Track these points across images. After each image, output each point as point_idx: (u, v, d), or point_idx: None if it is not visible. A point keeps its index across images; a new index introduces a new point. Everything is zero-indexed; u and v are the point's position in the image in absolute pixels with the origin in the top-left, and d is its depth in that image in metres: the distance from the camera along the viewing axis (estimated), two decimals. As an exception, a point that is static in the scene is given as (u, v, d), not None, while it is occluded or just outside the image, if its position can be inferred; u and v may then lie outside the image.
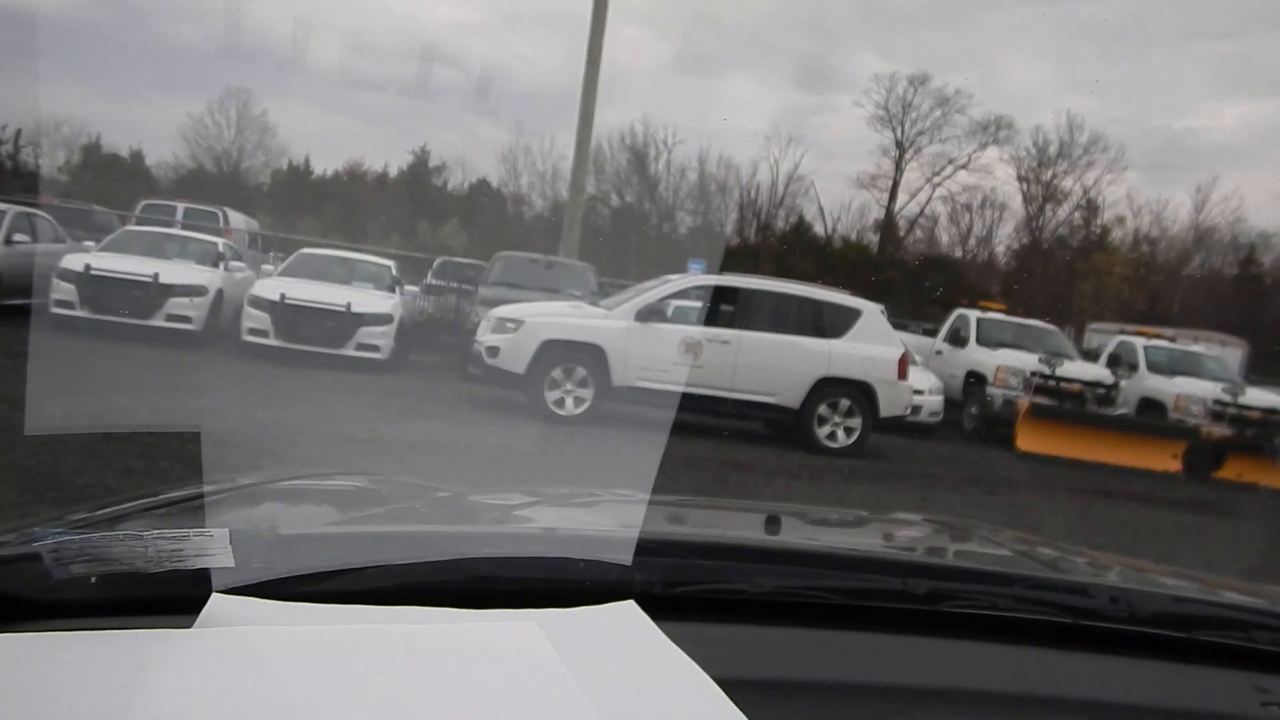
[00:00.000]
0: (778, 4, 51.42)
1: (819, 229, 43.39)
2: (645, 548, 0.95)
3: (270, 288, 11.46)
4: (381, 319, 11.49)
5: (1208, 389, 13.94)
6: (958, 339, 14.91)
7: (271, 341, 11.00)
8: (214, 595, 0.77)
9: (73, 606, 0.77)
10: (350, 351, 11.18)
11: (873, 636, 0.95)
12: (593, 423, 9.25)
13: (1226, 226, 40.91)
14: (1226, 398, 13.64)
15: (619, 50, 51.30)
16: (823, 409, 10.01)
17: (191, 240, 13.23)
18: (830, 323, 10.19)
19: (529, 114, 52.84)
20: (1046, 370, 13.24)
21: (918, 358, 13.28)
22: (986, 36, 50.12)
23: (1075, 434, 12.02)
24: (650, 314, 9.79)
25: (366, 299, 11.68)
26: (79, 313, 10.74)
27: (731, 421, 10.23)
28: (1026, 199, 43.30)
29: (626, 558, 0.92)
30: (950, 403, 13.38)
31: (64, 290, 10.83)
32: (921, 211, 44.32)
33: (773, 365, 9.89)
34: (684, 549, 1.03)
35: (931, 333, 16.74)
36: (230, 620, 0.75)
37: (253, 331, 11.08)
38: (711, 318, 10.25)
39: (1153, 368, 14.87)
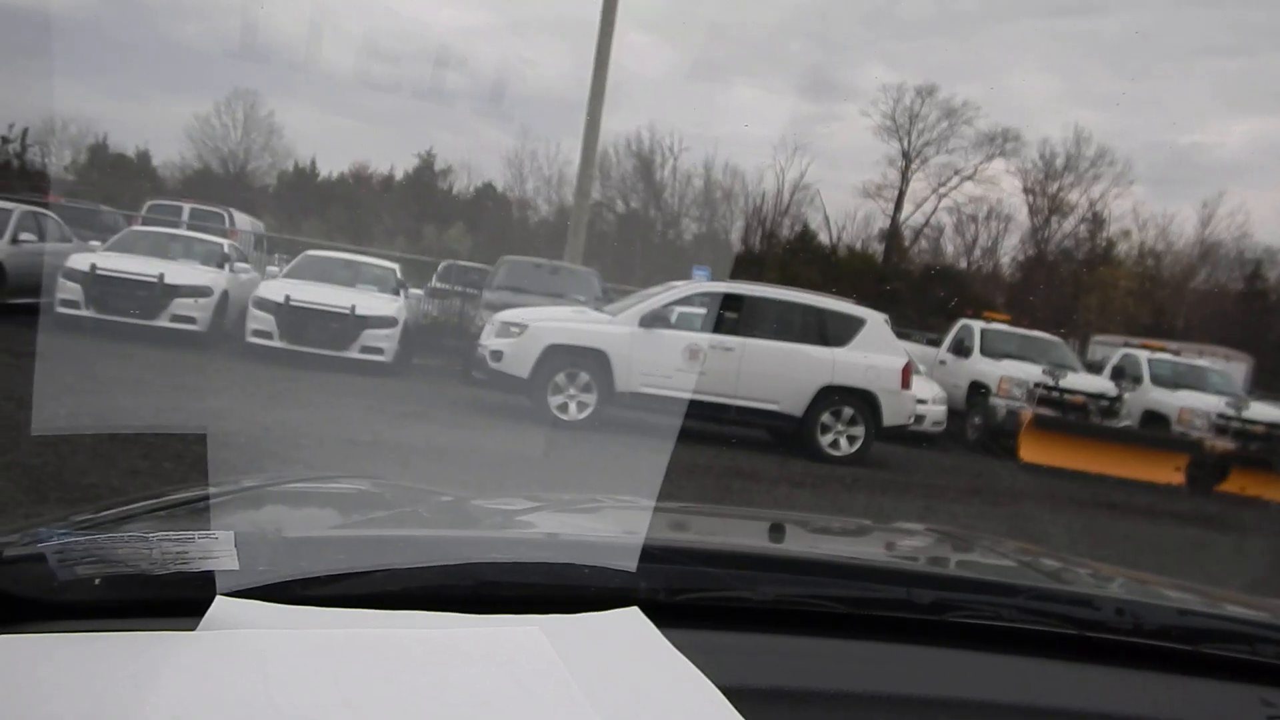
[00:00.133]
0: (785, 13, 51.53)
1: (824, 238, 43.43)
2: (650, 554, 0.95)
3: (275, 289, 11.47)
4: (386, 322, 11.50)
5: (1212, 402, 13.93)
6: (962, 349, 14.91)
7: (276, 343, 11.02)
8: (218, 598, 0.77)
9: (77, 608, 0.77)
10: (354, 354, 11.19)
11: (877, 645, 0.95)
12: (596, 428, 9.25)
13: (1232, 242, 40.91)
14: (1230, 411, 13.64)
15: (626, 56, 51.41)
16: (826, 417, 10.01)
17: (197, 241, 13.26)
18: (834, 331, 10.19)
19: (535, 119, 53.03)
20: (1050, 382, 13.24)
21: (921, 367, 13.27)
22: (994, 49, 50.21)
23: (1078, 446, 12.00)
24: (654, 320, 9.79)
25: (371, 302, 11.70)
26: (84, 312, 10.77)
27: (734, 429, 10.23)
28: (1032, 211, 43.33)
29: (631, 564, 0.92)
30: (953, 413, 13.38)
31: (70, 290, 10.86)
32: (927, 222, 44.35)
33: (776, 373, 9.89)
34: (688, 556, 1.04)
35: (935, 343, 16.74)
36: (234, 623, 0.75)
37: (257, 333, 11.10)
38: (715, 325, 10.25)
39: (1157, 381, 14.86)
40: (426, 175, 46.00)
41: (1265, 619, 1.16)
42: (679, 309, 10.35)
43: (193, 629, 0.74)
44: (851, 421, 10.05)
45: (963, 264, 44.36)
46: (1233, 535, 9.95)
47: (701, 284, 11.48)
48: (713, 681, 0.78)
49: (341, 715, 0.67)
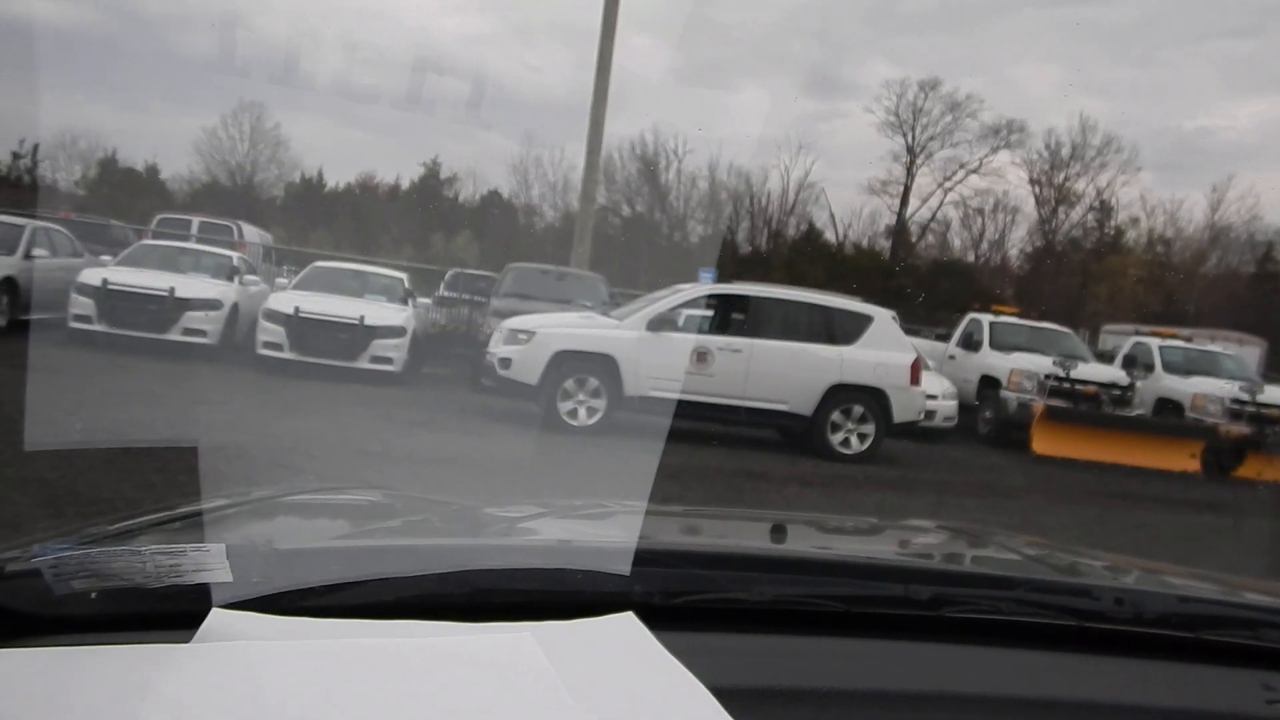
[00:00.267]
0: (787, 11, 51.50)
1: (830, 236, 43.43)
2: (644, 558, 0.95)
3: (285, 301, 11.52)
4: (395, 331, 11.54)
5: (1225, 388, 13.84)
6: (971, 343, 14.87)
7: (286, 355, 11.07)
8: (213, 610, 0.78)
9: (74, 622, 0.78)
10: (364, 364, 11.24)
11: (875, 643, 0.95)
12: (606, 433, 9.27)
13: (1242, 225, 40.73)
14: (1244, 396, 13.54)
15: (629, 60, 51.52)
16: (836, 416, 10.00)
17: (206, 254, 13.34)
18: (842, 329, 10.18)
19: (539, 125, 53.13)
20: (1061, 373, 13.18)
21: (930, 363, 13.25)
22: (997, 40, 50.09)
23: (1091, 436, 11.97)
24: (662, 323, 9.80)
25: (380, 312, 11.74)
26: (97, 327, 10.85)
27: (744, 430, 10.24)
28: (1039, 202, 43.22)
29: (625, 568, 0.92)
30: (964, 407, 13.33)
31: (82, 305, 10.94)
32: (933, 216, 44.30)
33: (785, 373, 9.88)
34: (683, 559, 1.03)
35: (944, 337, 16.69)
36: (229, 635, 0.76)
37: (268, 345, 11.15)
38: (723, 326, 10.27)
39: (1169, 368, 14.78)
40: (432, 184, 46.15)
41: (1268, 603, 1.16)
42: (686, 312, 10.36)
43: (188, 641, 0.75)
44: (861, 419, 10.04)
45: (971, 257, 44.29)
46: (1250, 520, 9.90)
47: (708, 286, 11.49)
48: (710, 684, 0.77)
49: None
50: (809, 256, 39.43)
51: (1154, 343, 15.56)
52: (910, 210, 43.71)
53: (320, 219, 43.36)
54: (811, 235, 43.06)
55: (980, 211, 43.75)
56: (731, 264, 38.99)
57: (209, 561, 0.80)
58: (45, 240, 12.56)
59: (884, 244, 43.71)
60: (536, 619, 0.84)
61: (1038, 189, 43.05)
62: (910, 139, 42.55)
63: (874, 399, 10.02)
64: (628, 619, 0.87)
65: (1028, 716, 0.89)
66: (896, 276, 37.07)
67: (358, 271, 13.77)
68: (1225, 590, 1.27)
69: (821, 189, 43.76)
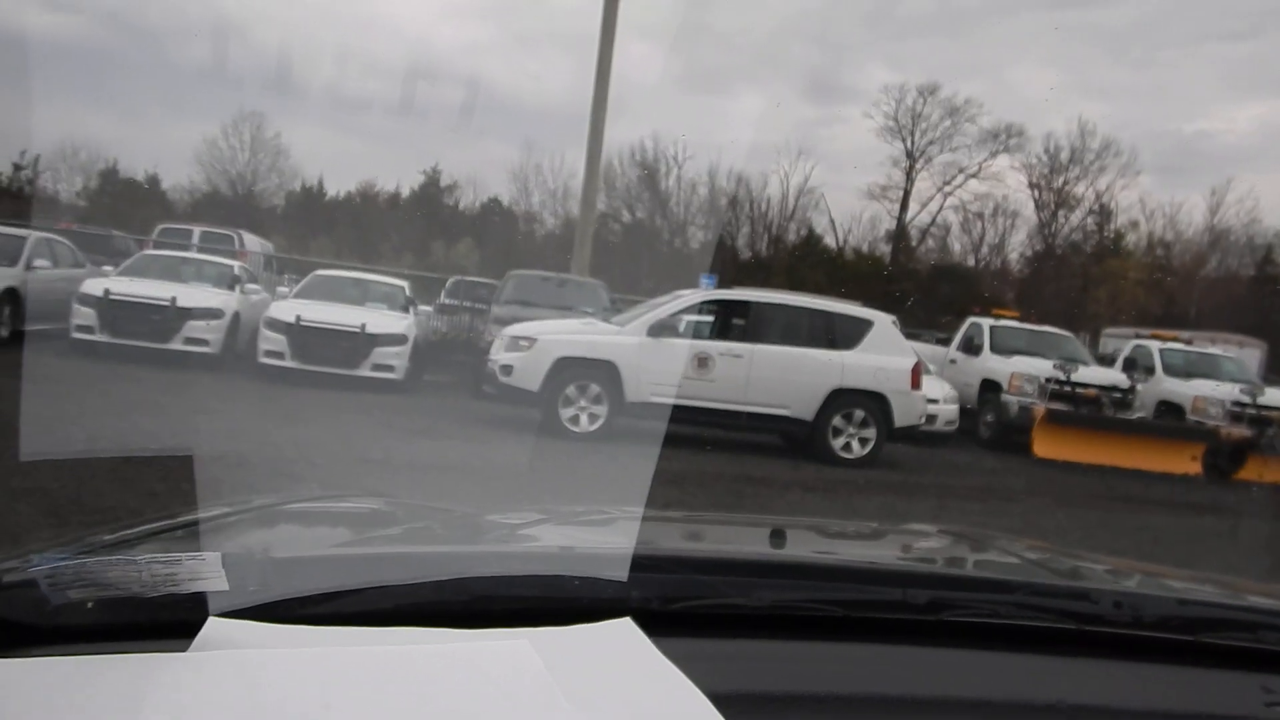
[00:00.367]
0: (785, 17, 51.65)
1: (830, 241, 43.45)
2: (641, 564, 0.94)
3: (286, 310, 11.55)
4: (396, 339, 11.57)
5: (1226, 390, 13.84)
6: (971, 347, 14.88)
7: (288, 363, 11.09)
8: (210, 619, 0.78)
9: (71, 631, 0.78)
10: (366, 372, 11.26)
11: (873, 648, 0.95)
12: (608, 439, 9.28)
13: (1242, 228, 40.76)
14: (1245, 398, 13.55)
15: (628, 67, 51.53)
16: (837, 420, 10.02)
17: (208, 263, 13.39)
18: (842, 334, 10.20)
19: (539, 132, 53.29)
20: (1061, 376, 13.20)
21: (931, 367, 13.26)
22: (995, 44, 50.17)
23: (1092, 439, 11.97)
24: (662, 329, 9.83)
25: (381, 319, 11.77)
26: (99, 337, 10.89)
27: (746, 435, 10.26)
28: (1039, 206, 43.25)
29: (622, 574, 0.92)
30: (965, 411, 13.35)
31: (84, 315, 10.98)
32: (933, 221, 44.31)
33: (786, 378, 9.90)
34: (680, 564, 1.03)
35: (945, 342, 16.71)
36: (226, 643, 0.76)
37: (269, 353, 11.17)
38: (724, 332, 10.30)
39: (1169, 371, 14.79)
40: (432, 191, 46.19)
41: (1267, 606, 1.16)
42: (687, 318, 10.39)
43: (185, 650, 0.75)
44: (863, 424, 10.05)
45: (971, 262, 44.31)
46: (1251, 522, 9.90)
47: (708, 292, 11.51)
48: (708, 689, 0.77)
49: None
50: (809, 262, 39.45)
51: (1154, 346, 15.57)
52: (910, 215, 43.77)
53: (321, 227, 43.39)
54: (812, 240, 43.10)
55: (980, 216, 43.81)
56: (732, 269, 39.01)
57: (205, 570, 0.81)
58: (47, 251, 12.60)
59: (884, 249, 43.74)
60: (535, 625, 0.84)
61: (1037, 193, 43.12)
62: (909, 144, 42.63)
63: (875, 403, 10.04)
64: (625, 625, 0.87)
65: None
66: (897, 281, 37.10)
67: (359, 279, 13.81)
68: (1225, 593, 1.27)
69: (821, 194, 43.83)
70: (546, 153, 47.48)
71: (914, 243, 44.35)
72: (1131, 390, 13.64)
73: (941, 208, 43.74)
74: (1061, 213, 43.03)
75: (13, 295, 11.53)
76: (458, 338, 14.62)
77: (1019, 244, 44.81)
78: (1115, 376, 14.04)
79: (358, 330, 11.33)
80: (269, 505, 1.49)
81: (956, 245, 45.10)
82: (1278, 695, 0.95)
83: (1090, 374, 13.71)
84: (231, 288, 12.43)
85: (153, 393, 9.19)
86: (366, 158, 55.79)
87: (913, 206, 43.65)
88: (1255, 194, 41.56)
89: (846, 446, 10.03)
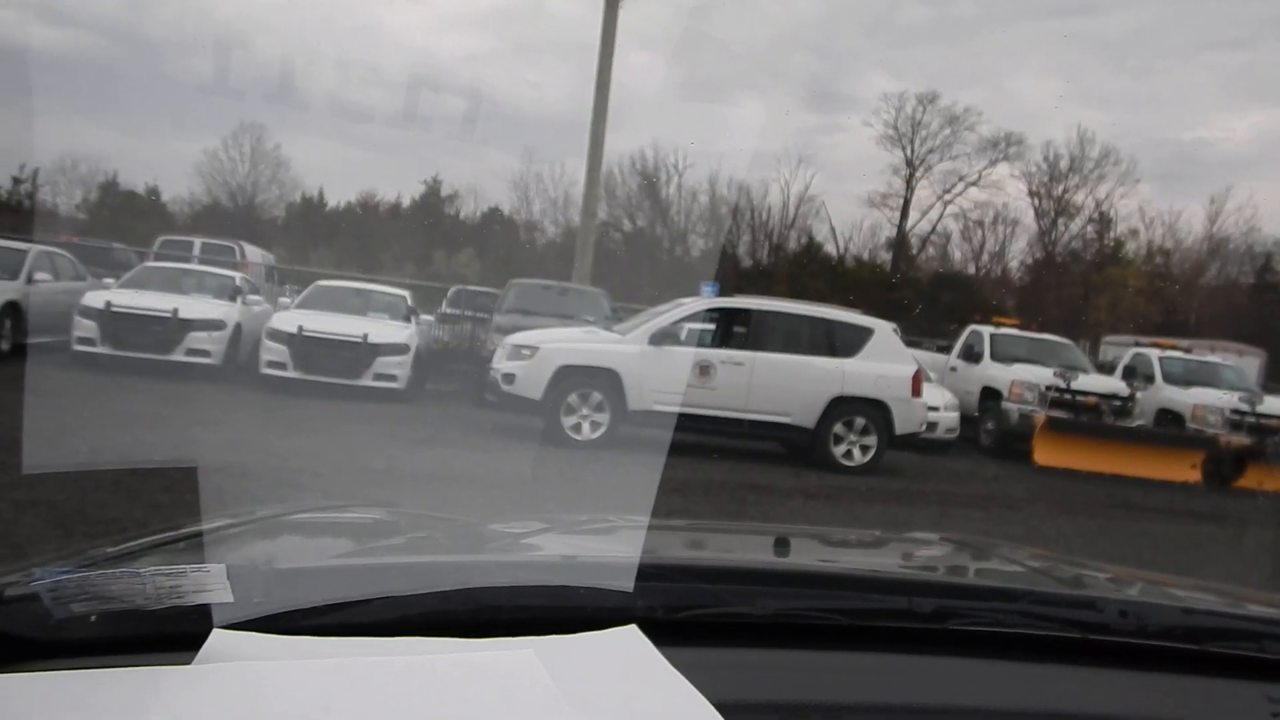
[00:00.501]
0: (785, 26, 51.76)
1: (831, 249, 43.49)
2: (647, 573, 0.95)
3: (288, 320, 11.59)
4: (398, 349, 11.59)
5: (1225, 398, 13.87)
6: (972, 355, 14.91)
7: (290, 374, 11.11)
8: (214, 631, 0.77)
9: (75, 645, 0.78)
10: (368, 382, 11.28)
11: (879, 656, 0.95)
12: (610, 447, 9.30)
13: (1241, 236, 40.82)
14: (1245, 407, 13.58)
15: (628, 76, 51.71)
16: (838, 428, 10.05)
17: (209, 275, 13.42)
18: (843, 342, 10.24)
19: (540, 141, 53.35)
20: (1062, 384, 13.22)
21: (932, 374, 13.28)
22: (995, 53, 50.33)
23: (1092, 447, 11.99)
24: (664, 337, 9.86)
25: (383, 329, 11.79)
26: (100, 349, 10.90)
27: (748, 442, 10.28)
28: (1039, 214, 43.32)
29: (628, 583, 0.92)
30: (966, 419, 13.37)
31: (85, 327, 11.00)
32: (933, 229, 44.38)
33: (787, 385, 9.93)
34: (686, 573, 1.04)
35: (945, 349, 16.73)
36: (231, 655, 0.75)
37: (271, 364, 11.19)
38: (725, 340, 10.33)
39: (1169, 379, 14.82)
40: (433, 201, 46.25)
41: (1271, 615, 1.16)
42: (688, 326, 10.42)
43: (190, 663, 0.74)
44: (864, 431, 10.08)
45: (971, 270, 44.36)
46: (1251, 530, 9.91)
47: (710, 300, 11.54)
48: (713, 698, 0.77)
49: None
50: (810, 269, 39.50)
51: (1154, 354, 15.60)
52: (910, 223, 43.84)
53: (322, 238, 43.48)
54: (812, 248, 43.13)
55: (980, 224, 43.88)
56: (733, 277, 39.06)
57: (209, 582, 0.80)
58: (48, 264, 12.63)
59: (885, 256, 43.80)
60: (540, 635, 0.84)
61: (1037, 201, 43.20)
62: (909, 152, 42.71)
63: (876, 411, 10.07)
64: (631, 633, 0.87)
65: None
66: (897, 289, 37.12)
67: (360, 290, 13.84)
68: (1229, 602, 1.27)
69: (822, 202, 43.91)
70: (547, 162, 47.64)
71: (914, 251, 44.42)
72: (1131, 398, 13.66)
73: (942, 216, 43.86)
74: (1061, 221, 43.13)
75: (14, 308, 11.55)
76: (459, 347, 14.65)
77: (1019, 252, 44.92)
78: (1115, 384, 14.07)
79: (360, 340, 11.36)
80: (273, 516, 1.48)
81: (957, 253, 45.21)
82: None
83: (1090, 382, 13.74)
84: (233, 299, 12.46)
85: (155, 404, 9.21)
86: (367, 168, 55.87)
87: (913, 214, 43.76)
88: (1254, 202, 41.52)
89: (848, 454, 10.06)
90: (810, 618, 0.97)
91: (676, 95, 50.24)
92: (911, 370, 10.31)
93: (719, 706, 0.76)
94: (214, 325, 11.46)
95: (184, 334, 11.20)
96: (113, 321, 10.99)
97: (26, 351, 11.46)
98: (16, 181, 35.08)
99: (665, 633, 0.87)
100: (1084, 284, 40.58)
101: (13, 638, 0.77)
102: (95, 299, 11.26)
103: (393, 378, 11.42)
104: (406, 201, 47.18)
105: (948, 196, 43.07)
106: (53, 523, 4.35)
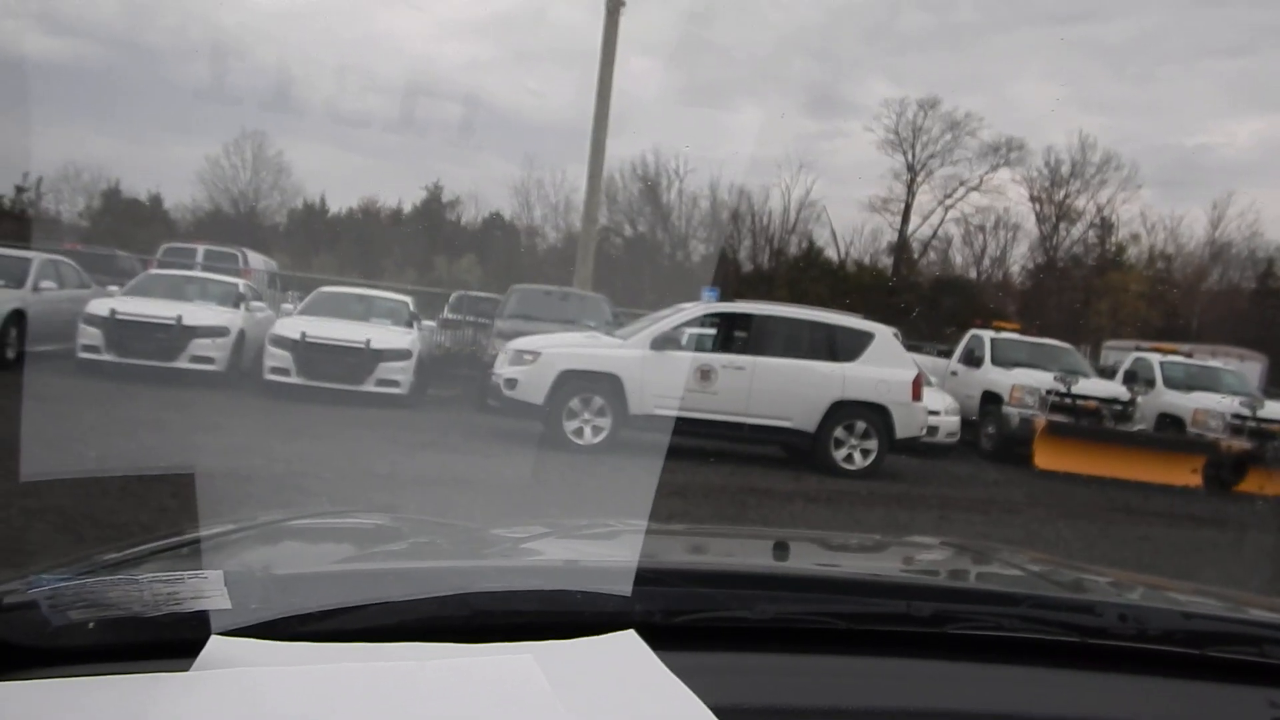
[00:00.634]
0: (787, 31, 51.86)
1: (832, 254, 43.56)
2: (644, 577, 0.95)
3: (291, 326, 11.64)
4: (400, 354, 11.64)
5: (1226, 403, 13.89)
6: (972, 359, 14.95)
7: (293, 379, 11.16)
8: (212, 637, 0.78)
9: (73, 653, 0.78)
10: (371, 387, 11.33)
11: (877, 661, 0.95)
12: (612, 451, 9.34)
13: (1243, 241, 40.87)
14: (1245, 411, 13.59)
15: (629, 82, 51.81)
16: (839, 432, 10.09)
17: (212, 282, 13.47)
18: (843, 346, 10.29)
19: (541, 147, 53.35)
20: (1062, 388, 13.25)
21: (933, 379, 13.33)
22: (996, 59, 50.41)
23: (1093, 451, 12.02)
24: (665, 342, 9.91)
25: (385, 335, 11.85)
26: (105, 357, 10.96)
27: (749, 447, 10.32)
28: (1040, 219, 43.37)
29: (626, 588, 0.92)
30: (967, 423, 13.41)
31: (90, 335, 11.05)
32: (935, 234, 44.43)
33: (788, 390, 9.98)
34: (684, 578, 1.03)
35: (946, 354, 16.77)
36: (229, 662, 0.76)
37: (275, 370, 11.25)
38: (726, 344, 10.38)
39: (1169, 383, 14.84)
40: (435, 207, 46.33)
41: (1272, 620, 1.15)
42: (689, 330, 10.48)
43: (188, 669, 0.75)
44: (864, 435, 10.12)
45: (972, 274, 44.40)
46: (1251, 535, 9.93)
47: (711, 305, 11.60)
48: (711, 703, 0.77)
49: None
50: (811, 274, 39.54)
51: (1155, 358, 15.63)
52: (911, 228, 43.88)
53: (323, 244, 43.54)
54: (813, 253, 43.19)
55: (981, 228, 43.93)
56: (734, 282, 39.11)
57: (206, 589, 0.80)
58: (53, 272, 12.67)
59: (886, 261, 43.85)
60: (538, 640, 0.84)
61: (1038, 206, 43.25)
62: (910, 157, 42.78)
63: (876, 415, 10.11)
64: (629, 637, 0.87)
65: None
66: (899, 293, 37.17)
67: (362, 296, 13.90)
68: (1230, 606, 1.27)
69: (823, 207, 43.97)
70: (548, 167, 47.60)
71: (915, 255, 44.47)
72: (1132, 402, 13.69)
73: (943, 221, 43.92)
74: (1063, 226, 43.17)
75: (19, 317, 11.60)
76: (461, 352, 14.70)
77: (1020, 257, 44.97)
78: (1116, 389, 14.09)
79: (362, 346, 11.41)
80: (273, 522, 1.48)
81: (958, 258, 45.27)
82: None
83: (1091, 386, 13.77)
84: (236, 306, 12.52)
85: (159, 411, 9.27)
86: (369, 174, 56.07)
87: (914, 219, 43.81)
88: (1256, 208, 41.73)
89: (848, 458, 10.10)
90: (808, 622, 0.97)
91: (677, 101, 50.22)
92: (912, 374, 10.35)
93: (717, 711, 0.77)
94: (218, 332, 11.52)
95: (188, 341, 11.25)
96: (117, 329, 11.05)
97: (31, 359, 11.50)
98: (20, 190, 35.22)
99: (663, 637, 0.87)
100: (1085, 289, 40.62)
101: (12, 645, 0.78)
102: (100, 307, 11.32)
103: (395, 383, 11.47)
104: (408, 207, 47.28)
105: (949, 201, 43.17)
106: (62, 528, 4.40)
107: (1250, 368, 21.03)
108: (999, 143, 41.65)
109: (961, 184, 42.61)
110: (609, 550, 1.45)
